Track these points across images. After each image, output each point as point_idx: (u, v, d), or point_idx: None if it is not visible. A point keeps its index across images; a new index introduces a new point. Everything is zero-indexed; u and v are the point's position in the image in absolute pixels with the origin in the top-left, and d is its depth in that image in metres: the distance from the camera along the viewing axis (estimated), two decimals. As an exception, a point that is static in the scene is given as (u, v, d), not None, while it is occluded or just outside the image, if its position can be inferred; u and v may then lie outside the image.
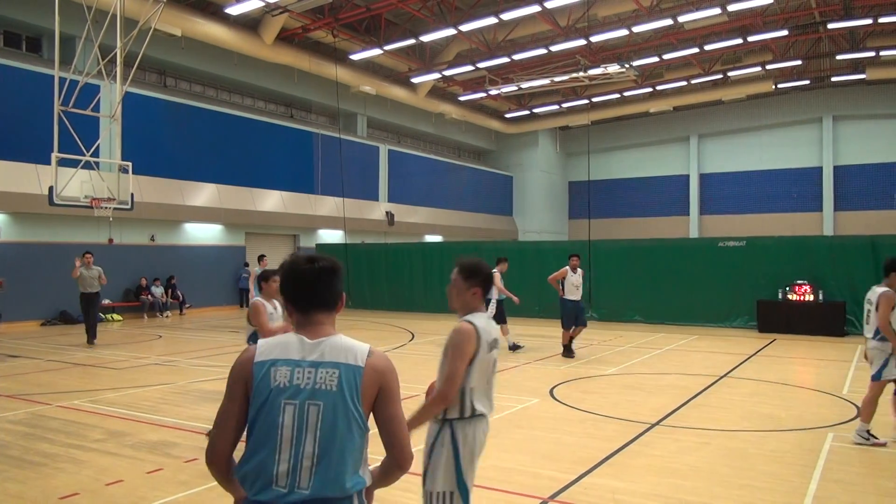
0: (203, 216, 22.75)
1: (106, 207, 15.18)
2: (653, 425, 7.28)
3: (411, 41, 23.77)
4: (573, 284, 12.37)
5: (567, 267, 12.51)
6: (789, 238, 18.37)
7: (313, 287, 2.27)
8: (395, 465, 2.27)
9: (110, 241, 20.07)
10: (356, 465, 2.15)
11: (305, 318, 2.27)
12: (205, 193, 22.80)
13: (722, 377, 10.37)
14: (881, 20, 21.76)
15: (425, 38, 23.42)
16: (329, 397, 2.11)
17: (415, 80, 28.22)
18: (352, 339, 2.24)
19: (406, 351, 13.54)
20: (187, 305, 22.25)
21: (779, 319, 16.43)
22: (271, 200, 25.23)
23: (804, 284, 16.26)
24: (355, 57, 24.78)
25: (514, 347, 13.15)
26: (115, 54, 15.13)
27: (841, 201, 32.34)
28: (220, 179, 23.32)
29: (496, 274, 12.81)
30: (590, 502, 5.01)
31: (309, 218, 26.66)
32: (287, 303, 2.31)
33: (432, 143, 36.71)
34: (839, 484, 5.40)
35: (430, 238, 33.39)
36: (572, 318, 12.42)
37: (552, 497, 5.11)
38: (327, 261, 2.31)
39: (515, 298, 13.28)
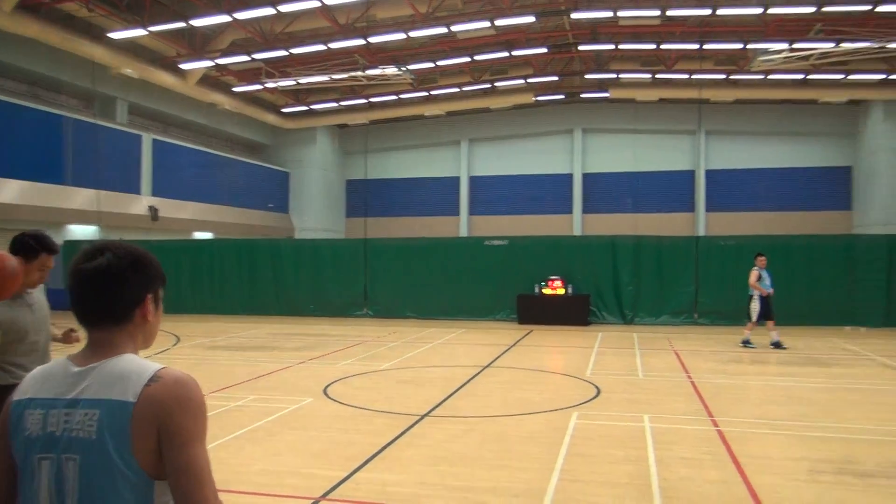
0: (-83, 206, 19.33)
1: None
2: (422, 417, 7.59)
3: (180, 24, 22.22)
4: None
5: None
6: (545, 237, 20.22)
7: (84, 293, 1.67)
8: None
9: None
10: None
11: (89, 336, 1.69)
12: (-80, 180, 19.40)
13: (486, 367, 11.12)
14: (621, 46, 24.80)
15: (196, 23, 22.04)
16: (86, 448, 1.54)
17: (184, 67, 26.46)
18: (140, 362, 1.63)
19: (171, 356, 12.68)
20: None
21: (536, 312, 18.02)
22: (9, 191, 22.12)
23: (557, 279, 17.99)
24: (115, 35, 22.59)
25: (777, 345, 12.95)
26: None
27: (588, 205, 36.21)
28: (-60, 164, 19.98)
29: (754, 271, 13.07)
30: (361, 498, 5.10)
31: (57, 211, 23.80)
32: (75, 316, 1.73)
33: (203, 135, 34.70)
34: (581, 457, 6.07)
35: (200, 235, 31.59)
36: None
37: (324, 496, 5.11)
38: (112, 253, 1.68)
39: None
